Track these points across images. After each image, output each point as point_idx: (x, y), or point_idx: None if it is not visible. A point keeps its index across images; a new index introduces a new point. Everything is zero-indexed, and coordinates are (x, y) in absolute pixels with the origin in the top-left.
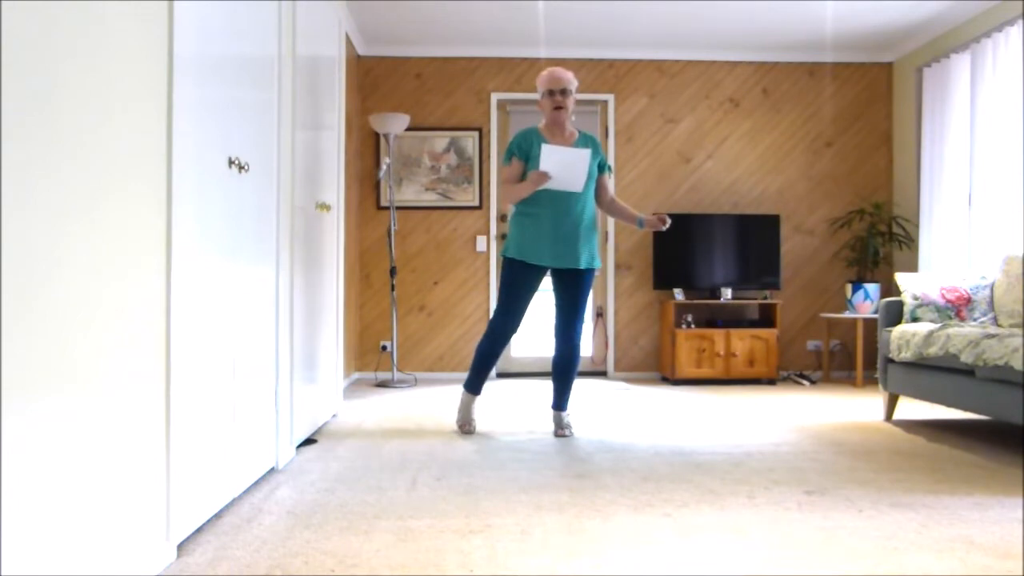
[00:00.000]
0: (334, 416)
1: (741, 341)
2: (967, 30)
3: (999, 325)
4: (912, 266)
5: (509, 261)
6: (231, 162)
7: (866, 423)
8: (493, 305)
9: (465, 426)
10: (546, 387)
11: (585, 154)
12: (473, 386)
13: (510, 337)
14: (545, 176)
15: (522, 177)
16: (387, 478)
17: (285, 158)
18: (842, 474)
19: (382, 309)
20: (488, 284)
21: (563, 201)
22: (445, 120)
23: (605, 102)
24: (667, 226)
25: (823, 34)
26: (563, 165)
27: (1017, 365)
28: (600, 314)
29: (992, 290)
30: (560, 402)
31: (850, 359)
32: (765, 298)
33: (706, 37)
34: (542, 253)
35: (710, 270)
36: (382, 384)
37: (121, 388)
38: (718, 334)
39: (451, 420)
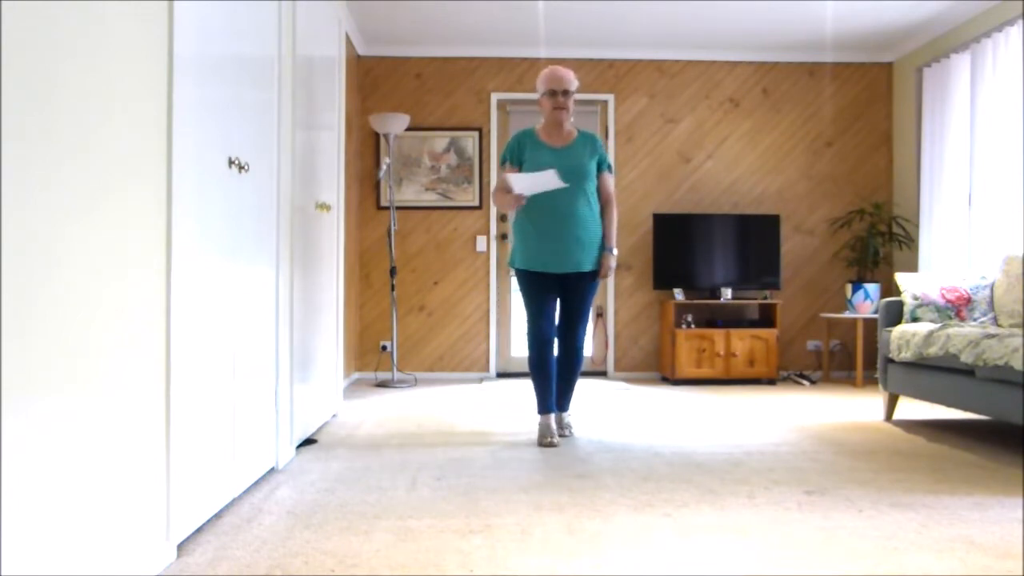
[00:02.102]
0: (334, 416)
1: (741, 341)
2: (967, 30)
3: (999, 325)
4: (912, 266)
5: (516, 271)
6: (231, 162)
7: (866, 423)
8: (494, 305)
9: (543, 439)
10: None
11: (551, 174)
12: (541, 406)
13: (550, 340)
14: (521, 199)
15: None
16: (387, 478)
17: (285, 158)
18: (842, 474)
19: (382, 309)
20: (488, 284)
21: (563, 205)
22: (445, 120)
23: (605, 102)
24: (605, 275)
25: (823, 34)
26: (534, 187)
27: (1017, 365)
28: (600, 314)
29: (992, 290)
30: (562, 402)
31: (850, 359)
32: (765, 298)
33: (706, 37)
34: (545, 259)
35: (710, 270)
36: (382, 384)
37: (121, 388)
38: (718, 334)
39: (451, 419)
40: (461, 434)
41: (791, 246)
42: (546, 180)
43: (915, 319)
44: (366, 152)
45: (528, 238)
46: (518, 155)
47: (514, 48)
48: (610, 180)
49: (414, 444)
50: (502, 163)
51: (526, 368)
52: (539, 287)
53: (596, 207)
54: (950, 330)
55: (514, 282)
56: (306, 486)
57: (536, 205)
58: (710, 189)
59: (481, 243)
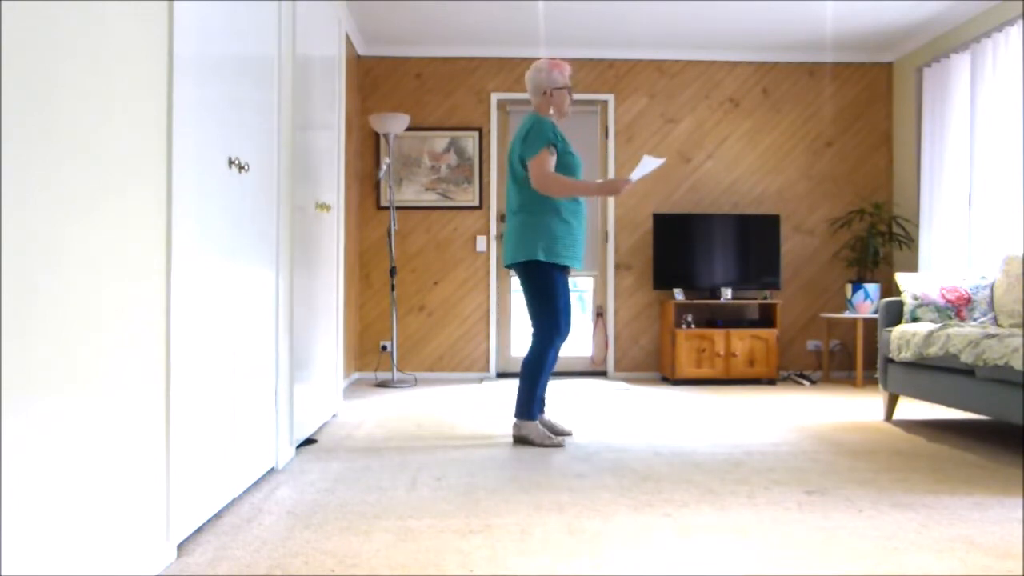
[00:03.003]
0: (334, 416)
1: (741, 341)
2: (967, 30)
3: (999, 325)
4: (912, 266)
5: (552, 267)
6: (231, 162)
7: (866, 423)
8: (494, 305)
9: (548, 440)
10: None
11: (659, 160)
12: (535, 409)
13: None
14: (626, 186)
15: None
16: (387, 478)
17: (285, 158)
18: (842, 474)
19: (382, 309)
20: (488, 284)
21: (584, 204)
22: (445, 120)
23: (605, 102)
24: None
25: (823, 34)
26: (642, 174)
27: (1017, 365)
28: (600, 314)
29: (992, 290)
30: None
31: (850, 359)
32: (765, 298)
33: (706, 37)
34: (576, 255)
35: (710, 270)
36: (382, 384)
37: (121, 388)
38: (718, 334)
39: (451, 419)
40: (461, 434)
41: (791, 246)
42: (656, 165)
43: (915, 319)
44: (366, 152)
45: (564, 234)
46: (563, 142)
47: (514, 48)
48: None
49: (414, 444)
50: (547, 144)
51: None
52: (565, 283)
53: None
54: (950, 330)
55: (514, 282)
56: (306, 486)
57: (574, 201)
58: (710, 189)
59: (481, 243)
